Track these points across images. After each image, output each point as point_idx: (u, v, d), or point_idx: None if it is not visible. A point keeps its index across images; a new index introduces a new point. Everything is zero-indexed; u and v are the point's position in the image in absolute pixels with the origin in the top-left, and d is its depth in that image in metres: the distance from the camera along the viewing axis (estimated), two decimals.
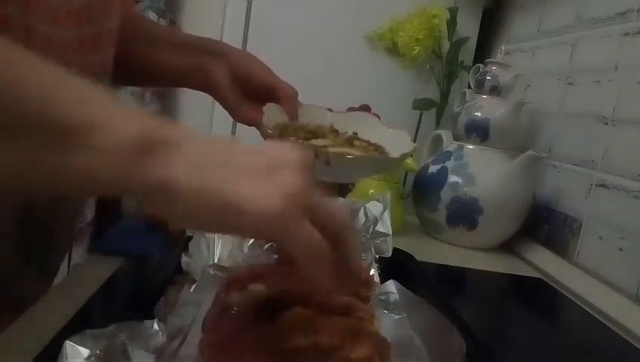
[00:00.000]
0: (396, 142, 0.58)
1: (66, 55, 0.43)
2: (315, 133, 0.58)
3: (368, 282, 0.47)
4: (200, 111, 1.33)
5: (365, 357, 0.33)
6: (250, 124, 0.57)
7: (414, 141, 1.07)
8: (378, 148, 0.58)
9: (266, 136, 0.52)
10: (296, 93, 0.59)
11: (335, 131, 0.60)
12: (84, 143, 0.26)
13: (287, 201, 0.27)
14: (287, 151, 0.30)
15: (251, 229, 0.29)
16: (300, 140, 0.55)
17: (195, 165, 0.27)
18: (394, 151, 0.56)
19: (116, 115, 0.27)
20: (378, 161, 0.56)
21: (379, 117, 0.74)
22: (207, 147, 0.29)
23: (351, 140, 0.59)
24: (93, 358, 0.30)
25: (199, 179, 0.27)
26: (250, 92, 0.58)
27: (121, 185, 0.27)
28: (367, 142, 0.59)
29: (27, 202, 0.46)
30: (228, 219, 0.28)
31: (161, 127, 0.28)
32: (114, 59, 0.54)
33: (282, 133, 0.55)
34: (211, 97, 0.62)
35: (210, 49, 0.59)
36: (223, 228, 0.30)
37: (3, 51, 0.26)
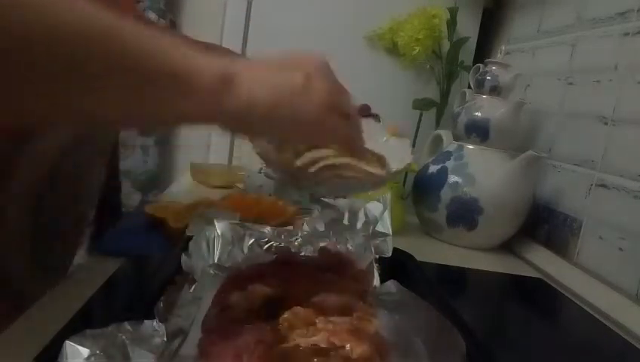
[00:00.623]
0: (397, 152, 0.60)
1: None
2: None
3: (359, 276, 0.47)
4: None
5: (365, 357, 0.33)
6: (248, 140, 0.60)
7: (414, 141, 1.07)
8: (379, 158, 0.58)
9: (257, 154, 0.56)
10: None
11: None
12: (184, 86, 0.32)
13: (327, 107, 0.39)
14: (313, 64, 0.41)
15: (306, 132, 0.41)
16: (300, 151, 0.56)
17: (262, 86, 0.36)
18: (394, 162, 0.58)
19: (200, 59, 0.33)
20: (364, 182, 0.57)
21: (379, 117, 0.75)
22: (263, 70, 0.38)
23: None
24: (93, 358, 0.30)
25: (273, 94, 0.36)
26: None
27: (215, 112, 0.35)
28: (370, 152, 0.59)
29: (40, 202, 0.46)
30: (292, 127, 0.38)
31: (230, 61, 0.36)
32: None
33: (281, 143, 0.57)
34: None
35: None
36: (282, 131, 0.40)
37: (98, 11, 0.30)
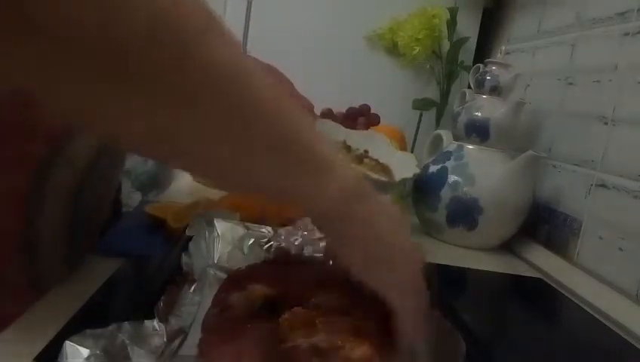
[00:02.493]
0: (402, 164, 0.61)
1: None
2: None
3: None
4: None
5: (366, 357, 0.33)
6: None
7: (414, 141, 1.07)
8: (385, 168, 0.60)
9: None
10: (312, 107, 0.60)
11: (347, 147, 0.62)
12: (318, 180, 0.31)
13: (408, 295, 0.36)
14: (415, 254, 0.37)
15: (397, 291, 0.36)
16: None
17: (378, 216, 0.35)
18: (399, 173, 0.60)
19: (339, 161, 0.33)
20: (377, 184, 0.58)
21: (379, 117, 0.75)
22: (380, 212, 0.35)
23: (361, 158, 0.61)
24: (93, 358, 0.30)
25: (383, 229, 0.35)
26: None
27: (336, 218, 0.33)
28: (376, 161, 0.60)
29: (75, 203, 0.47)
30: (385, 267, 0.35)
31: (361, 182, 0.34)
32: None
33: None
34: None
35: None
36: (379, 270, 0.36)
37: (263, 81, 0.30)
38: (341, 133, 0.64)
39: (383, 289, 0.36)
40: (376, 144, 0.64)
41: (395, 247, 0.36)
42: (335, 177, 0.32)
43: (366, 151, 0.62)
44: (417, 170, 0.59)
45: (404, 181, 0.58)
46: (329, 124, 0.62)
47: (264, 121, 0.29)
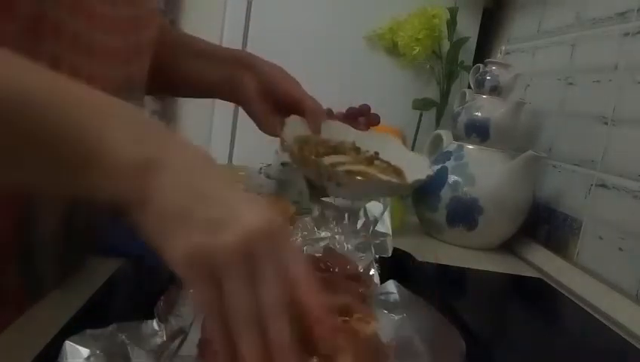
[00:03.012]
0: (415, 166, 0.60)
1: (110, 63, 0.44)
2: (336, 149, 0.59)
3: (359, 276, 0.47)
4: (200, 111, 1.33)
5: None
6: (274, 135, 0.58)
7: (414, 141, 1.07)
8: (396, 170, 0.59)
9: (285, 147, 0.55)
10: (322, 108, 0.60)
11: (357, 149, 0.61)
12: (90, 165, 0.28)
13: (192, 262, 0.27)
14: (248, 213, 0.28)
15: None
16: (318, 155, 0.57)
17: (170, 198, 0.29)
18: (411, 175, 0.58)
19: (119, 136, 0.29)
20: (388, 185, 0.57)
21: (379, 117, 0.74)
22: (185, 178, 0.29)
23: (371, 160, 0.59)
24: (93, 358, 0.30)
25: (156, 211, 0.29)
26: (278, 104, 0.60)
27: (115, 199, 0.29)
28: (387, 163, 0.60)
29: (72, 209, 0.47)
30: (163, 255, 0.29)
31: (157, 147, 0.29)
32: (150, 70, 0.55)
33: (302, 146, 0.56)
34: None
35: (241, 61, 0.61)
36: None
37: (12, 68, 0.28)
38: (350, 134, 0.62)
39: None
40: (388, 145, 0.63)
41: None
42: (103, 157, 0.28)
43: (377, 153, 0.61)
44: (431, 172, 0.58)
45: (417, 183, 0.56)
46: (338, 125, 0.62)
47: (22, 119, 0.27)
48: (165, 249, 0.28)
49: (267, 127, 0.60)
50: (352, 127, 0.66)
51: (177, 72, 0.63)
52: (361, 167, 0.58)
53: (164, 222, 0.29)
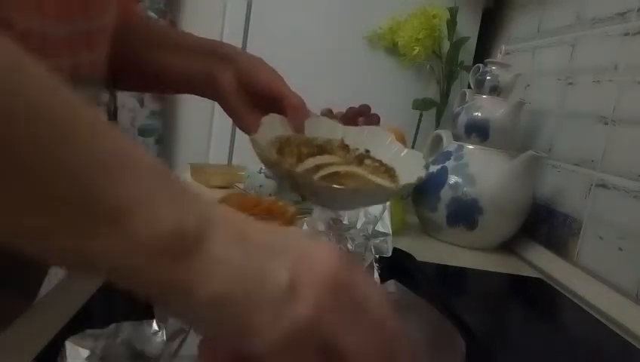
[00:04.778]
0: (409, 165, 0.53)
1: (52, 54, 0.40)
2: (322, 148, 0.53)
3: None
4: (200, 111, 1.33)
5: None
6: (248, 134, 0.52)
7: (414, 141, 1.07)
8: (389, 170, 0.53)
9: (257, 154, 0.47)
10: (304, 103, 0.54)
11: (345, 147, 0.55)
12: (113, 229, 0.22)
13: (289, 336, 0.23)
14: (316, 263, 0.25)
15: (251, 351, 0.25)
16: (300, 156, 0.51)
17: (216, 273, 0.23)
18: (404, 176, 0.51)
19: (154, 196, 0.23)
20: (371, 193, 0.50)
21: (379, 117, 0.74)
22: (233, 244, 0.24)
23: (361, 159, 0.54)
24: (93, 358, 0.30)
25: (215, 294, 0.23)
26: (257, 100, 0.55)
27: (140, 280, 0.23)
28: (379, 162, 0.54)
29: None
30: (236, 339, 0.25)
31: (191, 213, 0.24)
32: (120, 63, 0.52)
33: (282, 147, 0.50)
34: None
35: (219, 53, 0.56)
36: (226, 339, 0.26)
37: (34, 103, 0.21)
38: (338, 130, 0.56)
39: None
40: (379, 141, 0.56)
41: (250, 314, 0.23)
42: (135, 227, 0.22)
43: (367, 151, 0.54)
44: (422, 174, 0.50)
45: (405, 188, 0.50)
46: (325, 121, 0.57)
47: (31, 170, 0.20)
48: (248, 337, 0.24)
49: (244, 124, 0.54)
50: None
51: (154, 66, 0.58)
52: (350, 168, 0.52)
53: (226, 306, 0.24)
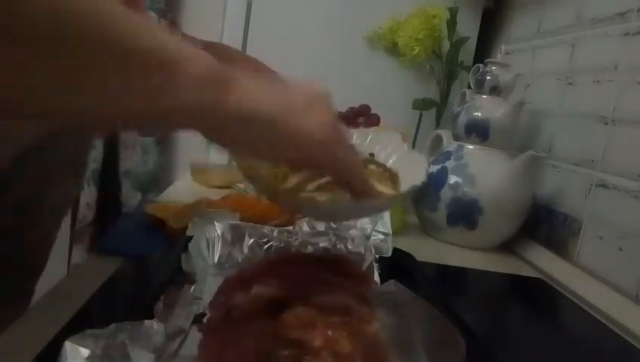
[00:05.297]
0: (411, 170, 0.51)
1: None
2: None
3: (360, 276, 0.46)
4: None
5: (347, 354, 0.33)
6: None
7: (414, 141, 1.07)
8: (392, 176, 0.51)
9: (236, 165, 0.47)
10: None
11: None
12: (172, 72, 0.28)
13: (329, 130, 0.36)
14: (315, 91, 0.37)
15: (305, 152, 0.36)
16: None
17: (263, 96, 0.33)
18: (406, 180, 0.50)
19: (192, 50, 0.30)
20: (361, 206, 0.46)
21: (378, 117, 0.74)
22: (261, 83, 0.34)
23: (365, 164, 0.52)
24: (93, 358, 0.30)
25: (273, 107, 0.33)
26: None
27: (205, 113, 0.30)
28: (383, 166, 0.52)
29: None
30: (290, 144, 0.35)
31: (227, 66, 0.32)
32: None
33: None
34: None
35: (217, 56, 0.57)
36: (281, 151, 0.35)
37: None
38: None
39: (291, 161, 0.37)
40: (385, 144, 0.55)
41: (284, 120, 0.34)
42: (185, 66, 0.29)
43: (372, 155, 0.54)
44: (420, 181, 0.49)
45: (408, 193, 0.48)
46: None
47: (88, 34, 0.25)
48: (292, 127, 0.34)
49: None
50: (352, 127, 0.62)
51: None
52: None
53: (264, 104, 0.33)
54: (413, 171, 0.51)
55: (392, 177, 0.52)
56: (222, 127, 0.32)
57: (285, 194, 0.44)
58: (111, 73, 0.27)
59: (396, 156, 0.54)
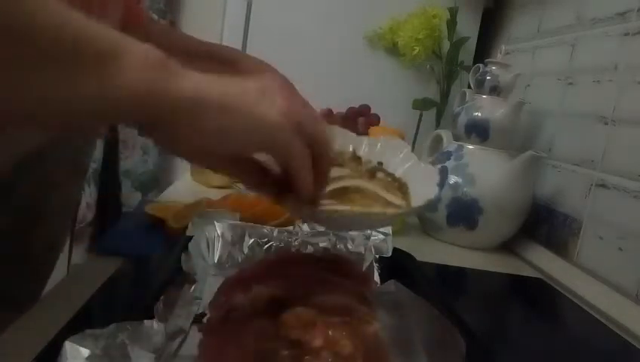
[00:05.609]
0: (422, 181, 0.49)
1: None
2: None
3: (360, 277, 0.46)
4: None
5: (347, 354, 0.33)
6: None
7: (414, 141, 1.07)
8: (402, 186, 0.49)
9: None
10: (316, 113, 0.53)
11: (357, 159, 0.52)
12: (114, 64, 0.28)
13: (283, 117, 0.33)
14: (270, 78, 0.35)
15: (256, 140, 0.34)
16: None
17: (212, 83, 0.32)
18: (417, 193, 0.48)
19: (134, 41, 0.30)
20: (377, 218, 0.47)
21: (378, 117, 0.73)
22: (212, 74, 0.33)
23: (373, 172, 0.51)
24: (93, 358, 0.30)
25: (224, 94, 0.32)
26: None
27: (154, 101, 0.30)
28: (392, 176, 0.51)
29: None
30: (248, 129, 0.33)
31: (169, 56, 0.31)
32: None
33: None
34: None
35: (221, 57, 0.57)
36: (238, 138, 0.33)
37: None
38: (350, 140, 0.53)
39: (250, 150, 0.36)
40: (394, 151, 0.53)
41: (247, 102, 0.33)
42: (134, 56, 0.29)
43: (380, 163, 0.52)
44: (432, 196, 0.46)
45: (418, 209, 0.47)
46: (335, 130, 0.54)
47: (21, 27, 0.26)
48: (244, 112, 0.32)
49: None
50: (352, 127, 0.61)
51: None
52: (361, 183, 0.48)
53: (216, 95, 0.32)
54: (423, 184, 0.49)
55: (401, 187, 0.50)
56: (172, 116, 0.31)
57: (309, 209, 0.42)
58: (42, 65, 0.26)
59: (406, 166, 0.52)
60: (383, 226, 0.56)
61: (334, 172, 0.47)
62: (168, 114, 0.30)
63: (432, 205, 0.46)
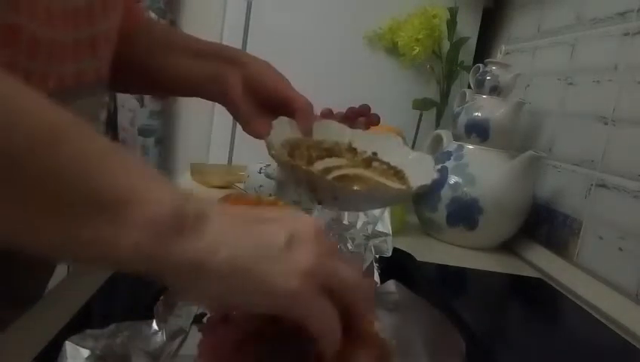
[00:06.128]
0: (418, 167, 0.53)
1: (58, 60, 0.40)
2: (330, 151, 0.53)
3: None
4: (200, 111, 1.33)
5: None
6: (259, 138, 0.53)
7: (414, 141, 1.07)
8: (398, 172, 0.53)
9: (272, 156, 0.47)
10: (312, 106, 0.55)
11: (353, 150, 0.55)
12: (116, 218, 0.25)
13: (302, 280, 0.28)
14: (302, 225, 0.30)
15: (268, 306, 0.29)
16: (312, 159, 0.50)
17: (222, 242, 0.27)
18: (415, 178, 0.51)
19: (147, 188, 0.27)
20: (389, 194, 0.50)
21: (378, 117, 0.74)
22: (231, 220, 0.29)
23: (369, 161, 0.54)
24: (93, 358, 0.30)
25: (233, 257, 0.27)
26: (266, 104, 0.55)
27: (152, 262, 0.26)
28: (387, 164, 0.54)
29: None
30: (256, 295, 0.28)
31: (188, 200, 0.28)
32: (121, 66, 0.52)
33: (292, 150, 0.50)
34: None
35: (226, 56, 0.57)
36: (245, 302, 0.29)
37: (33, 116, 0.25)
38: (346, 134, 0.56)
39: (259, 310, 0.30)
40: (387, 144, 0.55)
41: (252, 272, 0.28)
42: (139, 211, 0.25)
43: (374, 154, 0.54)
44: (435, 175, 0.50)
45: (421, 188, 0.48)
46: (331, 124, 0.56)
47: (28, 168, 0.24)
48: (260, 276, 0.28)
49: (253, 128, 0.55)
50: (352, 127, 0.62)
51: (161, 71, 0.58)
52: (359, 171, 0.51)
53: (237, 265, 0.27)
54: (421, 168, 0.52)
55: (396, 174, 0.52)
56: (173, 279, 0.28)
57: (322, 180, 0.45)
58: (41, 215, 0.25)
59: (400, 156, 0.55)
60: (397, 202, 0.57)
61: (333, 161, 0.50)
62: (169, 276, 0.28)
63: (434, 185, 0.49)
